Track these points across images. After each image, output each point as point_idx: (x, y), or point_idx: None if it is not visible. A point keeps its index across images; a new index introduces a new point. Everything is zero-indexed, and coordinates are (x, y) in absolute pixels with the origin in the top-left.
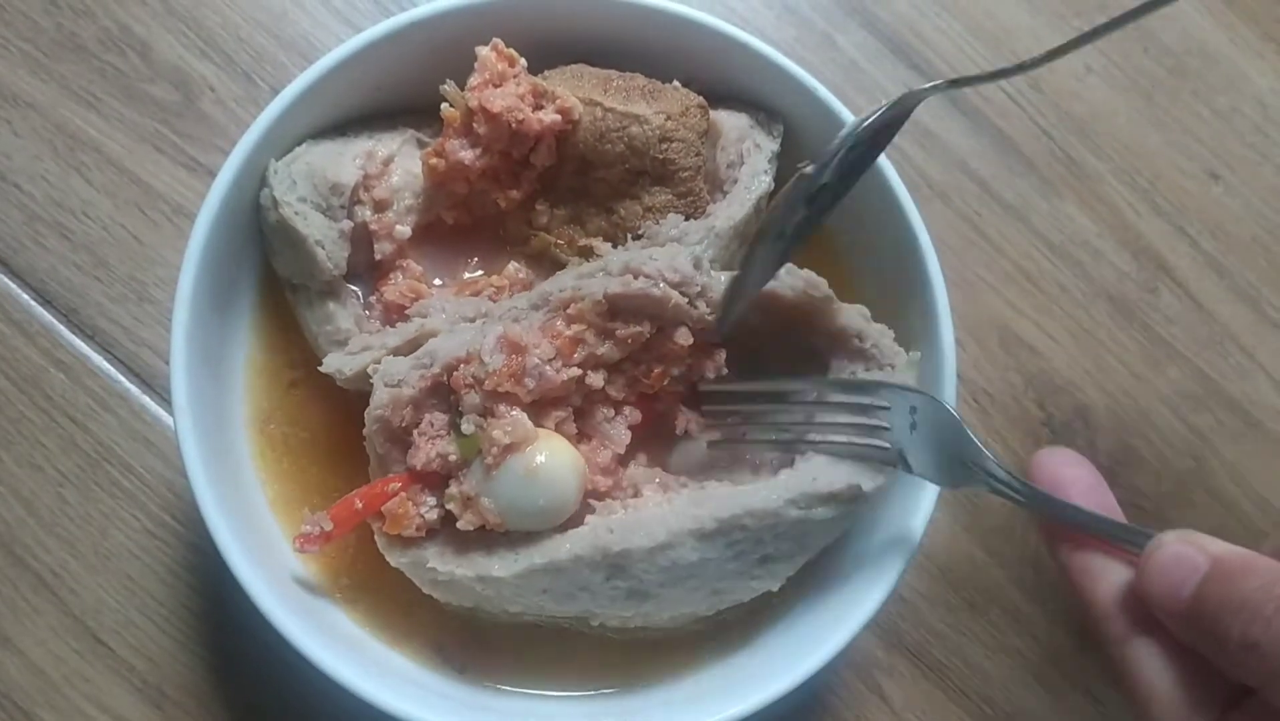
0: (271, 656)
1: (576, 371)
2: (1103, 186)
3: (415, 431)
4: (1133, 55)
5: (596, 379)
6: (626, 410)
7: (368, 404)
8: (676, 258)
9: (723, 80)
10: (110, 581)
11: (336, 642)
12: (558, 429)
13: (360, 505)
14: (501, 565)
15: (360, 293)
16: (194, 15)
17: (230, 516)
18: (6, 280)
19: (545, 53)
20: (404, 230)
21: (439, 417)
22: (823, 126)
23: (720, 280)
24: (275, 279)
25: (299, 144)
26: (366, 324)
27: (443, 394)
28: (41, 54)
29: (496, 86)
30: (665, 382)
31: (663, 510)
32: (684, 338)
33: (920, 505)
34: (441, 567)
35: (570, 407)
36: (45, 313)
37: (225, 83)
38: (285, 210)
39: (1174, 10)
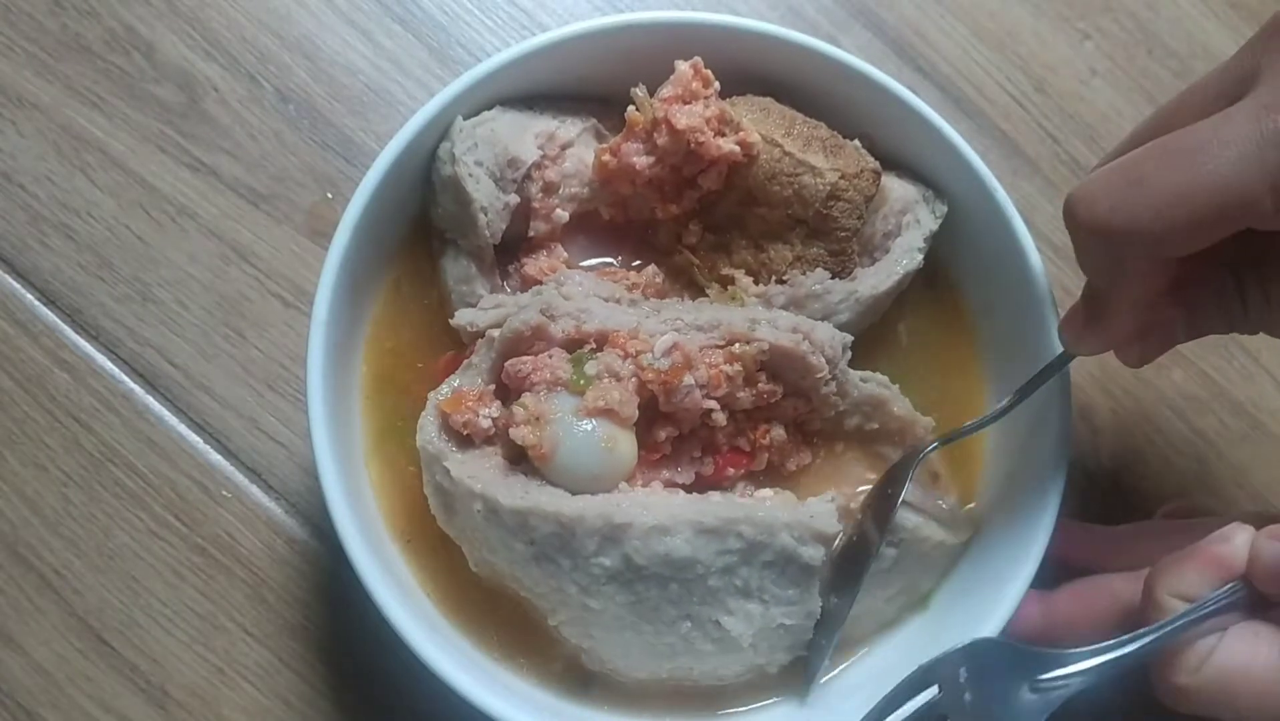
0: (274, 656)
1: (713, 404)
2: None
3: (534, 354)
4: (1137, 58)
5: (721, 418)
6: (707, 459)
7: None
8: (836, 335)
9: (899, 148)
10: (114, 581)
11: (455, 651)
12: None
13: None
14: (509, 494)
15: (502, 261)
16: (198, 16)
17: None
18: (10, 280)
19: (737, 81)
20: (563, 215)
21: (560, 353)
22: (985, 217)
23: (854, 378)
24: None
25: (488, 107)
26: (500, 292)
27: (572, 349)
28: (46, 54)
29: (686, 103)
30: (766, 440)
31: (671, 499)
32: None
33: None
34: (454, 471)
35: (678, 430)
36: (49, 313)
37: (229, 83)
38: (461, 168)
39: (1178, 13)
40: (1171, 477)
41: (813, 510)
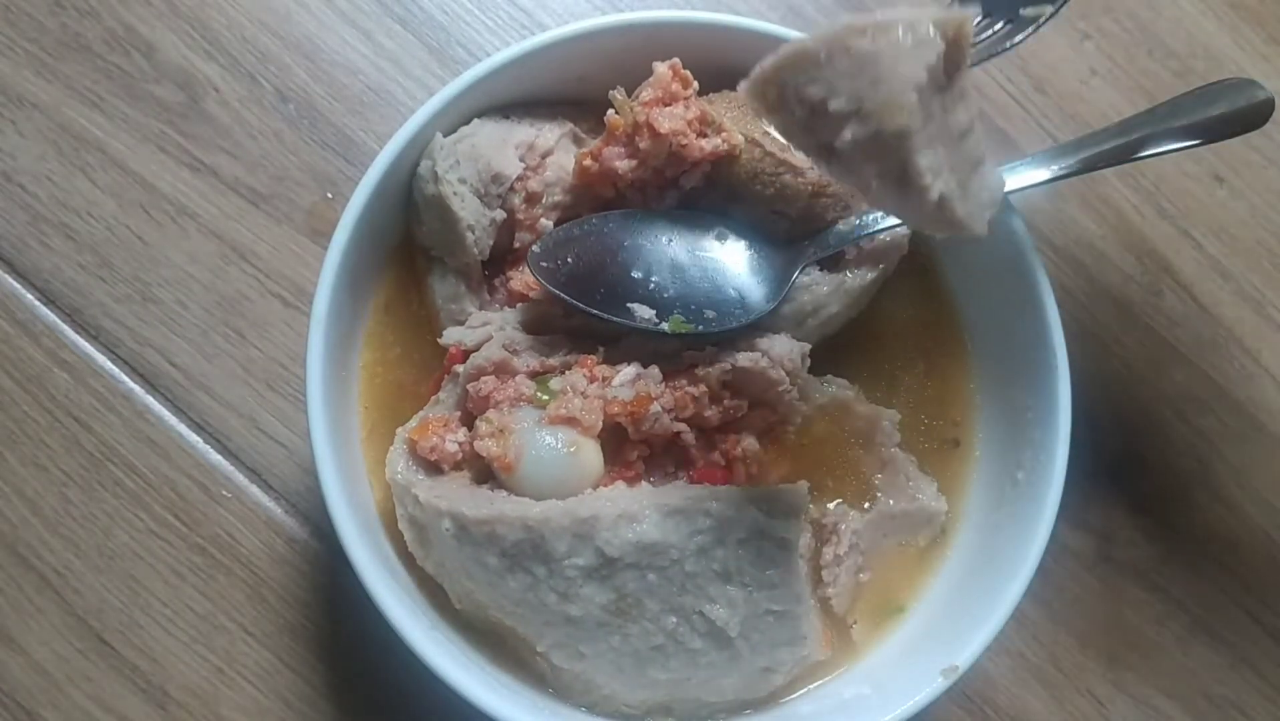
0: (274, 656)
1: (682, 426)
2: (1106, 189)
3: (499, 378)
4: (1137, 58)
5: (690, 436)
6: (681, 474)
7: None
8: (794, 347)
9: None
10: (113, 581)
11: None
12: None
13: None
14: (474, 506)
15: (488, 276)
16: (198, 16)
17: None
18: (11, 280)
19: (716, 76)
20: (547, 224)
21: (524, 378)
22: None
23: (815, 384)
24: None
25: (464, 120)
26: (489, 308)
27: (536, 377)
28: (46, 54)
29: (666, 105)
30: (739, 451)
31: (636, 490)
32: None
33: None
34: (423, 496)
35: (650, 450)
36: (49, 313)
37: (229, 83)
38: (444, 187)
39: (1178, 13)
40: (1171, 477)
41: (780, 488)
